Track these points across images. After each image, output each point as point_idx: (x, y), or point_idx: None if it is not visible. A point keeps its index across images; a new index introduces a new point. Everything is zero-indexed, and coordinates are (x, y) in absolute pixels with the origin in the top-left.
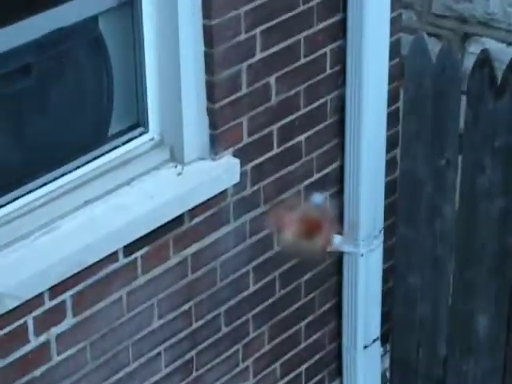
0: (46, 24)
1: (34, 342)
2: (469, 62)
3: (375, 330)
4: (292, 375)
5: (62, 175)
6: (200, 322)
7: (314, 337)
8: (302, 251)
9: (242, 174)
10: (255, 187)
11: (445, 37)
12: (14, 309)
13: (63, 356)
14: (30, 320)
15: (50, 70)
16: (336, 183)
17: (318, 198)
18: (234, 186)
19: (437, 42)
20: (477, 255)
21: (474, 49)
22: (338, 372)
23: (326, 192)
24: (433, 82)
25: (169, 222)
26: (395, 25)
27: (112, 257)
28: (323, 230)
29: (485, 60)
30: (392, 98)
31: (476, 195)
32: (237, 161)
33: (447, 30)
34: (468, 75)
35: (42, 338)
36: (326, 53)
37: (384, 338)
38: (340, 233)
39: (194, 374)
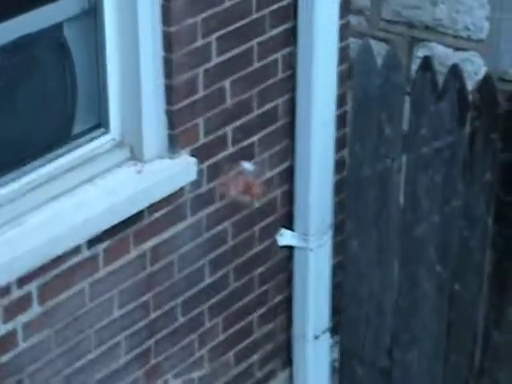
0: (14, 30)
1: (2, 329)
2: (416, 66)
3: (324, 322)
4: (245, 364)
5: (29, 173)
6: (158, 313)
7: (267, 328)
8: (241, 202)
9: (199, 172)
10: (211, 184)
11: (394, 41)
12: None
13: (29, 343)
14: None
15: (17, 73)
16: (287, 182)
17: (247, 165)
18: (191, 183)
19: (386, 46)
20: (419, 254)
21: (422, 53)
22: (289, 362)
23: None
24: (378, 86)
25: (129, 218)
26: (344, 31)
27: (76, 250)
28: (253, 189)
29: (427, 65)
30: (341, 100)
31: (419, 195)
32: (194, 159)
33: (396, 35)
34: (411, 80)
35: (9, 326)
36: (277, 58)
37: (334, 330)
38: (291, 228)
39: (153, 361)
